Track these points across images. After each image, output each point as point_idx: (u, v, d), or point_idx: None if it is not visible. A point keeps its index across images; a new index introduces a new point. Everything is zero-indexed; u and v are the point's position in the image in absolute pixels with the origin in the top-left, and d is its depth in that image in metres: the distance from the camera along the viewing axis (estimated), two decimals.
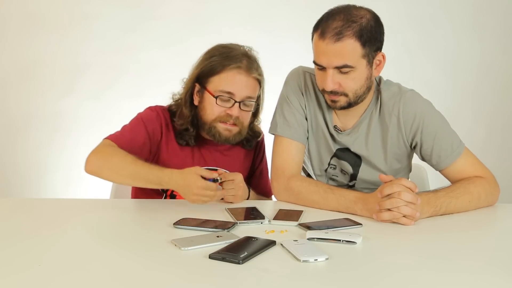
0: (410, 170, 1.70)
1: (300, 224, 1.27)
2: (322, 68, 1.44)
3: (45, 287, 0.88)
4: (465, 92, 3.50)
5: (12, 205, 1.52)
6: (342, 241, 1.12)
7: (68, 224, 1.29)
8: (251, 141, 1.75)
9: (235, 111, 1.57)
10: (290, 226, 1.27)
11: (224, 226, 1.22)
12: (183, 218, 1.27)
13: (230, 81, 1.56)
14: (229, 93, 1.56)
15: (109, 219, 1.38)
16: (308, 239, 1.13)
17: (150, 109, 1.67)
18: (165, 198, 1.66)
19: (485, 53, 3.48)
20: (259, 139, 1.78)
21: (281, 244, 1.09)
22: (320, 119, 1.61)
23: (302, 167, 1.71)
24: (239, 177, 1.51)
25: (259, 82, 1.63)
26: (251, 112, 1.65)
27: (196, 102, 1.63)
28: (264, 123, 1.78)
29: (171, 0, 3.29)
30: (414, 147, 1.56)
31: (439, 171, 1.55)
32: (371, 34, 1.40)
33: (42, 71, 3.30)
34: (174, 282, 0.90)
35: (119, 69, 3.28)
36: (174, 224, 1.23)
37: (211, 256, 0.99)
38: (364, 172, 1.60)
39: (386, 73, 1.63)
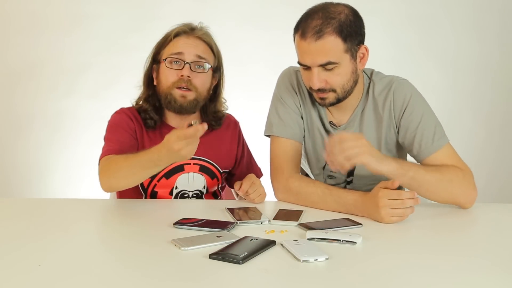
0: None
1: (300, 224, 1.27)
2: (307, 67, 1.45)
3: (45, 287, 0.88)
4: (465, 92, 3.50)
5: (12, 205, 1.52)
6: (342, 241, 1.12)
7: (68, 224, 1.29)
8: (217, 121, 1.73)
9: (186, 71, 1.57)
10: (290, 226, 1.27)
11: (224, 226, 1.22)
12: (183, 218, 1.27)
13: (177, 43, 1.60)
14: (177, 53, 1.58)
15: (109, 219, 1.39)
16: (308, 239, 1.13)
17: (116, 112, 1.68)
18: (145, 198, 1.65)
19: (485, 53, 3.48)
20: (223, 117, 1.76)
21: (281, 244, 1.09)
22: (315, 117, 1.62)
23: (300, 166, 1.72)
24: (254, 177, 1.54)
25: (211, 48, 1.64)
26: (205, 77, 1.62)
27: (155, 82, 1.66)
28: (260, 124, 1.77)
29: (171, 0, 3.29)
30: (398, 134, 1.55)
31: (420, 162, 1.53)
32: (351, 29, 1.41)
33: (42, 71, 3.30)
34: (174, 282, 0.90)
35: (120, 69, 3.28)
36: (174, 224, 1.24)
37: (211, 256, 0.99)
38: (361, 167, 1.60)
39: (386, 73, 1.63)
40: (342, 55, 1.41)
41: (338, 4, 1.44)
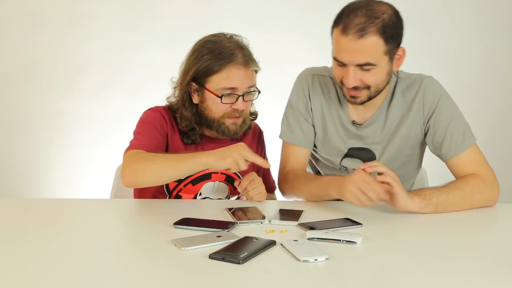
0: (420, 165, 1.70)
1: (300, 224, 1.27)
2: (342, 64, 1.42)
3: (45, 287, 0.88)
4: (466, 92, 3.49)
5: (12, 205, 1.52)
6: (342, 241, 1.12)
7: (68, 224, 1.29)
8: (249, 123, 1.72)
9: (240, 105, 1.55)
10: (290, 226, 1.27)
11: (224, 226, 1.22)
12: (183, 218, 1.27)
13: (230, 78, 1.53)
14: (231, 89, 1.54)
15: (109, 219, 1.38)
16: (308, 239, 1.13)
17: (152, 110, 1.65)
18: (169, 198, 1.65)
19: (486, 53, 3.47)
20: (254, 119, 1.75)
21: (281, 244, 1.09)
22: (331, 119, 1.61)
23: (319, 172, 1.74)
24: (254, 175, 1.53)
25: (256, 70, 1.62)
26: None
27: (195, 101, 1.61)
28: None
29: (171, 0, 3.29)
30: (427, 133, 1.56)
31: (446, 161, 1.54)
32: (393, 30, 1.39)
33: (42, 71, 3.29)
34: (174, 282, 0.90)
35: (119, 69, 3.28)
36: (174, 224, 1.23)
37: (211, 256, 0.99)
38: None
39: None
40: (381, 56, 1.39)
41: (381, 2, 1.41)
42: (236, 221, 1.27)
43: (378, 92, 1.48)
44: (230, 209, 1.39)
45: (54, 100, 3.30)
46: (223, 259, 0.98)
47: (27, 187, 3.35)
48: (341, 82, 1.47)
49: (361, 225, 1.26)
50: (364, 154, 1.61)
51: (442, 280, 0.93)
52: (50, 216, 1.36)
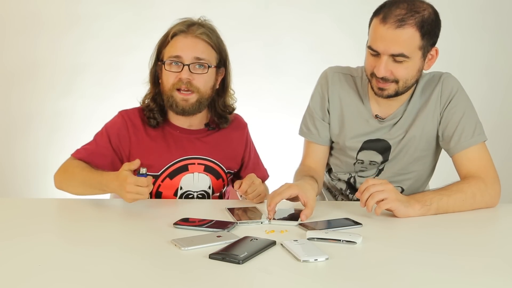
0: (435, 162, 1.70)
1: (300, 224, 1.27)
2: (376, 54, 1.44)
3: (45, 287, 0.88)
4: (470, 92, 3.47)
5: (12, 205, 1.52)
6: (342, 241, 1.12)
7: (68, 224, 1.29)
8: (225, 118, 1.71)
9: (184, 74, 1.55)
10: (290, 226, 1.27)
11: (224, 226, 1.22)
12: (183, 218, 1.27)
13: (175, 45, 1.57)
14: (176, 57, 1.56)
15: (109, 219, 1.38)
16: (308, 239, 1.13)
17: (116, 116, 1.69)
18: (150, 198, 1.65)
19: (489, 54, 3.47)
20: (231, 114, 1.74)
21: (281, 244, 1.09)
22: (350, 115, 1.63)
23: (331, 169, 1.77)
24: (254, 177, 1.52)
25: (211, 45, 1.60)
26: (207, 77, 1.59)
27: (160, 81, 1.65)
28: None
29: (171, 0, 3.29)
30: (440, 124, 1.57)
31: (453, 155, 1.55)
32: (431, 27, 1.42)
33: (41, 71, 3.29)
34: (174, 282, 0.90)
35: (118, 69, 3.28)
36: (174, 224, 1.23)
37: (211, 256, 0.99)
38: (394, 160, 1.63)
39: None
40: (415, 50, 1.42)
41: (424, 2, 1.45)
42: (236, 221, 1.27)
43: (406, 88, 1.50)
44: (230, 209, 1.39)
45: (54, 100, 3.30)
46: (223, 259, 0.98)
47: (27, 186, 3.35)
48: (371, 75, 1.49)
49: (361, 225, 1.27)
50: (380, 145, 1.62)
51: (443, 279, 0.93)
52: (50, 216, 1.36)
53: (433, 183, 1.85)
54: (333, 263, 1.00)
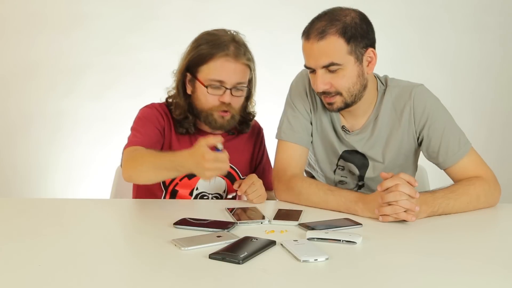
0: (416, 169, 1.69)
1: (300, 224, 1.27)
2: (312, 70, 1.45)
3: (45, 287, 0.88)
4: (465, 92, 3.50)
5: (12, 205, 1.52)
6: (342, 241, 1.12)
7: (68, 224, 1.29)
8: (246, 123, 1.75)
9: (226, 98, 1.57)
10: (290, 226, 1.27)
11: (224, 226, 1.22)
12: (183, 218, 1.27)
13: (219, 69, 1.56)
14: (219, 81, 1.57)
15: (109, 219, 1.39)
16: (308, 239, 1.13)
17: (147, 107, 1.69)
18: (165, 195, 1.65)
19: (485, 53, 3.48)
20: (252, 121, 1.77)
21: (281, 244, 1.09)
22: (326, 121, 1.61)
23: (310, 173, 1.73)
24: (255, 177, 1.53)
25: (249, 66, 1.63)
26: (243, 97, 1.65)
27: (189, 91, 1.65)
28: (276, 125, 1.77)
29: (171, 0, 3.29)
30: (421, 143, 1.56)
31: (444, 169, 1.54)
32: (356, 31, 1.40)
33: (42, 71, 3.29)
34: (174, 282, 0.90)
35: (119, 69, 3.28)
36: (174, 224, 1.23)
37: (211, 256, 0.99)
38: (372, 173, 1.61)
39: (386, 73, 1.63)
40: (345, 56, 1.41)
41: (346, 8, 1.44)
42: (236, 221, 1.27)
43: (354, 96, 1.47)
44: (230, 209, 1.39)
45: (55, 100, 3.30)
46: (223, 259, 0.98)
47: (28, 187, 3.35)
48: (318, 92, 1.48)
49: (361, 225, 1.27)
50: (357, 160, 1.60)
51: (443, 280, 0.93)
52: (50, 216, 1.36)
53: (433, 184, 1.85)
54: (333, 263, 1.00)
